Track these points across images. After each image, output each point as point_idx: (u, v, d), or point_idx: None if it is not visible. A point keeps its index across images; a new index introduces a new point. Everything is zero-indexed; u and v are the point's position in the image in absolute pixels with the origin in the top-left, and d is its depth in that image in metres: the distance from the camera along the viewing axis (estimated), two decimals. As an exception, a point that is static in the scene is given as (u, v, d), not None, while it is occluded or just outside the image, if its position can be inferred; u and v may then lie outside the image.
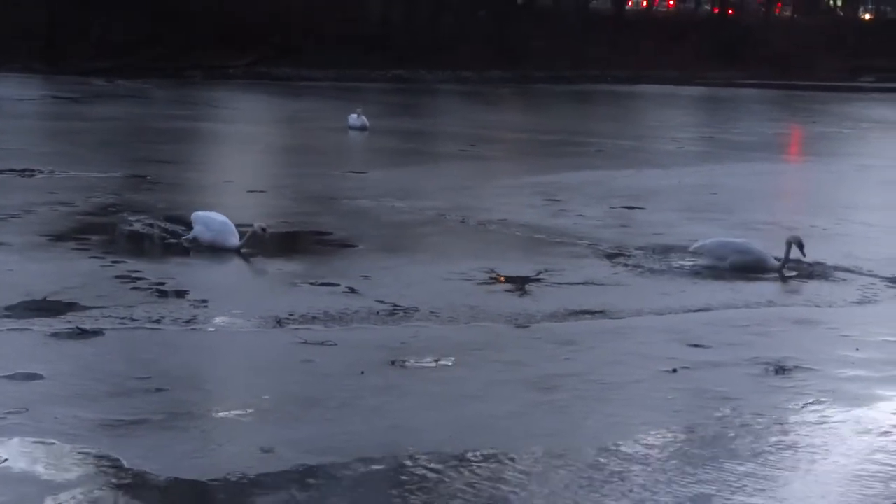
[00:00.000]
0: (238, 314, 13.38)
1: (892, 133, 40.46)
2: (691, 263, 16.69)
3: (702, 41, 68.94)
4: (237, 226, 16.71)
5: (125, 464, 8.80)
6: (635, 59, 63.65)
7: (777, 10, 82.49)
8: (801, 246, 16.39)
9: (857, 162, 30.95)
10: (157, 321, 12.76)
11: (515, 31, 62.34)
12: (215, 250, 16.43)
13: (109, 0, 52.90)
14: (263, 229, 16.44)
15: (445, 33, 60.12)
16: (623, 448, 9.55)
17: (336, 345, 12.20)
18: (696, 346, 12.67)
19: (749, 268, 16.38)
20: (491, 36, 61.49)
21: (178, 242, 17.06)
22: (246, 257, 16.26)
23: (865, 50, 72.57)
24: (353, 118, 34.14)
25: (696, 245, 16.89)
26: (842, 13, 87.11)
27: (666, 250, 17.63)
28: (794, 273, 16.48)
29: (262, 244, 16.57)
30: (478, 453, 9.30)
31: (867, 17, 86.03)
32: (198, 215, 16.94)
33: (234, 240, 16.46)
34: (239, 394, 10.80)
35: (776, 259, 16.59)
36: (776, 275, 16.37)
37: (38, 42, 51.92)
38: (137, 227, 18.29)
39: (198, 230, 16.73)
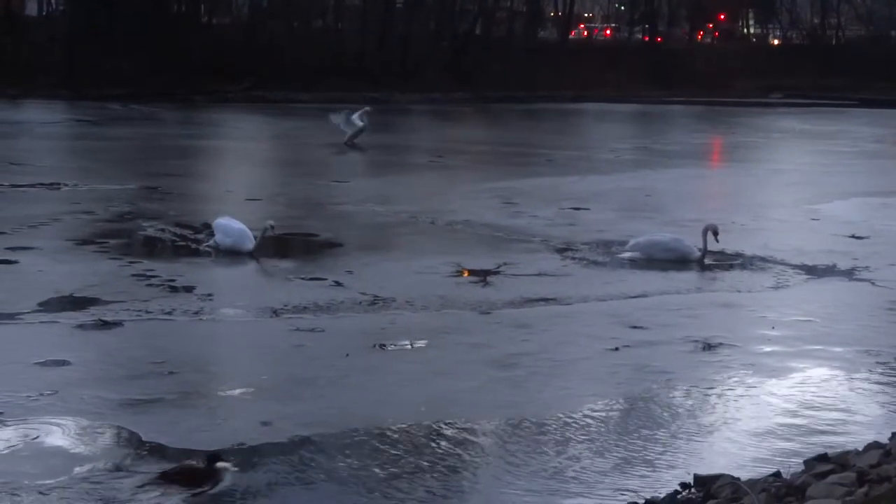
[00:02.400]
0: (239, 306, 13.34)
1: (798, 142, 40.58)
2: (629, 256, 16.70)
3: (635, 65, 69.01)
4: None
5: (143, 437, 8.78)
6: (578, 80, 63.63)
7: (699, 38, 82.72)
8: (715, 233, 16.45)
9: (769, 167, 31.01)
10: (170, 313, 12.68)
11: (475, 57, 62.35)
12: (231, 253, 16.20)
13: (118, 37, 52.59)
14: (272, 227, 16.29)
15: (413, 61, 60.12)
16: (573, 416, 9.57)
17: (325, 331, 12.17)
18: (635, 327, 12.69)
19: (676, 260, 16.41)
20: (453, 62, 61.59)
21: (195, 247, 16.80)
22: (250, 258, 16.08)
23: (774, 71, 72.72)
24: (355, 117, 32.39)
25: (630, 242, 16.89)
26: (754, 39, 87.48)
27: (607, 245, 17.62)
28: (715, 262, 16.50)
29: (266, 243, 16.37)
30: (448, 422, 9.31)
31: (776, 42, 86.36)
32: (218, 223, 16.46)
33: (250, 244, 16.19)
34: (241, 375, 10.75)
35: (699, 250, 16.63)
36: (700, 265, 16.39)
37: (60, 72, 51.50)
38: (151, 231, 18.15)
39: (218, 237, 16.39)
